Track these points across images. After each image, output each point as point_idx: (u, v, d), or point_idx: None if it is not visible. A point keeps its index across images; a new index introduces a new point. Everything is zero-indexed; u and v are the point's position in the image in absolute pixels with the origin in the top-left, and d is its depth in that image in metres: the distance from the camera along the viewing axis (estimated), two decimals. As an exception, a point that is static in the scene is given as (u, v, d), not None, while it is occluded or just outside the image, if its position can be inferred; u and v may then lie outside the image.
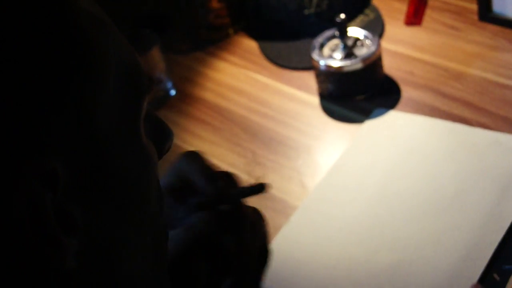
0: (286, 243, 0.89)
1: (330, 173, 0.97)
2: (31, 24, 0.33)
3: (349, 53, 1.06)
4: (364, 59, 1.04)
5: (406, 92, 1.06)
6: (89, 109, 0.35)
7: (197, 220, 0.55)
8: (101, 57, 0.36)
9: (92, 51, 0.35)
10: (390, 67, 1.10)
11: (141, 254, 0.40)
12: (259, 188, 0.56)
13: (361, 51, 1.06)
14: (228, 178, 0.58)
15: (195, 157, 0.57)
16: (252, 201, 0.95)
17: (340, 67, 1.05)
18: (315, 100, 1.09)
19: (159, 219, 0.43)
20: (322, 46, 1.08)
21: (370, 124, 1.02)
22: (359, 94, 1.07)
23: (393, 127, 1.01)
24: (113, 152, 0.36)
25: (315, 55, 1.06)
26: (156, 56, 1.13)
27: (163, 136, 0.45)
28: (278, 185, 0.97)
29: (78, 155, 0.34)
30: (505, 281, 0.77)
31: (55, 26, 0.33)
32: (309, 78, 1.12)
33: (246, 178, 0.99)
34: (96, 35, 0.36)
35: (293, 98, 1.11)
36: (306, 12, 1.20)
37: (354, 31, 1.08)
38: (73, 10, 0.35)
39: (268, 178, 0.98)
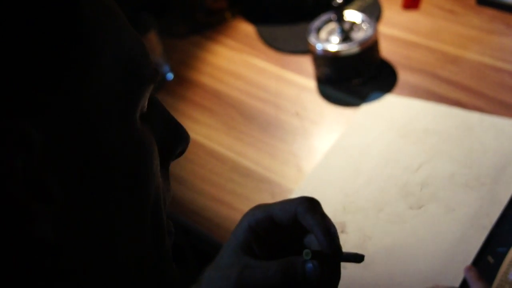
0: (282, 226, 0.89)
1: (326, 157, 0.97)
2: None
3: (346, 37, 1.06)
4: (361, 43, 1.04)
5: (403, 75, 1.06)
6: (79, 83, 0.35)
7: (299, 265, 0.56)
8: (98, 37, 0.36)
9: (88, 29, 0.36)
10: (387, 51, 1.10)
11: (138, 243, 0.40)
12: (360, 258, 0.58)
13: (358, 35, 1.06)
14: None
15: (317, 209, 0.57)
16: (250, 185, 0.95)
17: (337, 51, 1.05)
18: (312, 83, 1.09)
19: (160, 214, 0.43)
20: (319, 30, 1.08)
21: (367, 108, 1.03)
22: (355, 78, 1.07)
23: (389, 111, 1.01)
24: (100, 131, 0.37)
25: (312, 39, 1.06)
26: (153, 39, 1.13)
27: (176, 139, 0.45)
28: (274, 168, 0.97)
29: (61, 125, 0.34)
30: (499, 263, 0.78)
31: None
32: (306, 62, 1.12)
33: (243, 162, 0.99)
34: (97, 17, 0.37)
35: (290, 82, 1.11)
36: (304, -5, 1.20)
37: (351, 15, 1.07)
38: None
39: (264, 161, 0.99)
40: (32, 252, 0.34)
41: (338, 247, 0.56)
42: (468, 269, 0.77)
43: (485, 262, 0.79)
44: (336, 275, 0.57)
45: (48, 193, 0.34)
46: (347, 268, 0.83)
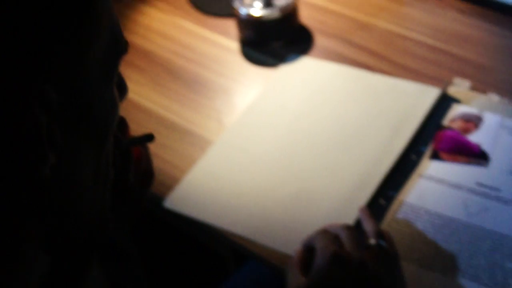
0: (202, 173, 0.98)
1: (246, 112, 1.06)
2: None
3: (268, 3, 1.14)
4: (282, 9, 1.13)
5: (319, 40, 1.16)
6: (83, 54, 0.44)
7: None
8: (98, 16, 0.45)
9: (92, 9, 0.44)
10: (305, 16, 1.19)
11: (96, 175, 0.50)
12: (148, 138, 0.66)
13: (279, 1, 1.14)
14: (120, 124, 0.67)
15: None
16: (175, 137, 1.04)
17: (259, 16, 1.13)
18: (235, 45, 1.18)
19: (112, 153, 0.52)
20: (243, -5, 1.16)
21: (285, 69, 1.12)
22: (276, 41, 1.16)
23: (305, 72, 1.11)
24: (93, 92, 0.46)
25: (236, 4, 1.14)
26: None
27: (120, 90, 0.54)
28: (197, 122, 1.06)
29: (68, 87, 0.43)
30: (389, 205, 0.89)
31: None
32: (231, 25, 1.20)
33: (168, 116, 1.07)
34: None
35: (215, 44, 1.19)
36: (231, -37, 1.27)
37: (273, -18, 1.16)
38: None
39: (188, 116, 1.07)
40: (30, 188, 0.43)
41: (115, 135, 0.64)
42: (361, 209, 0.87)
43: (377, 203, 0.89)
44: (128, 158, 0.65)
45: (55, 143, 0.42)
46: (257, 210, 0.93)
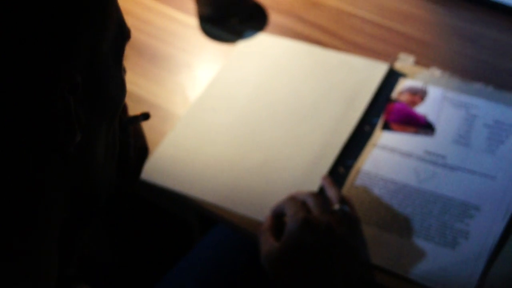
0: (173, 146, 1.04)
1: (209, 86, 1.12)
2: None
3: (224, -20, 1.20)
4: (238, -14, 1.19)
5: (273, 17, 1.22)
6: (98, 44, 0.50)
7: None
8: (109, 11, 0.51)
9: (104, 7, 0.50)
10: (259, -6, 1.25)
11: (106, 150, 0.56)
12: (145, 117, 0.73)
13: (235, -21, 1.20)
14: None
15: None
16: (141, 110, 1.08)
17: (216, -7, 1.18)
18: (193, 21, 1.23)
19: (117, 130, 0.59)
20: (200, -27, 1.21)
21: (242, 44, 1.18)
22: (232, 17, 1.22)
23: (262, 48, 1.18)
24: (107, 75, 0.52)
25: (194, -19, 1.19)
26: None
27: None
28: (163, 96, 1.11)
29: (88, 72, 0.49)
30: (348, 173, 0.98)
31: None
32: (189, 1, 1.25)
33: (134, 90, 1.12)
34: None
35: (175, 20, 1.24)
36: None
37: (229, -39, 1.21)
38: None
39: (153, 90, 1.12)
40: (59, 161, 0.49)
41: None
42: (324, 178, 0.96)
43: (337, 172, 0.98)
44: (127, 135, 0.72)
45: (80, 122, 0.49)
46: (227, 179, 1.00)
